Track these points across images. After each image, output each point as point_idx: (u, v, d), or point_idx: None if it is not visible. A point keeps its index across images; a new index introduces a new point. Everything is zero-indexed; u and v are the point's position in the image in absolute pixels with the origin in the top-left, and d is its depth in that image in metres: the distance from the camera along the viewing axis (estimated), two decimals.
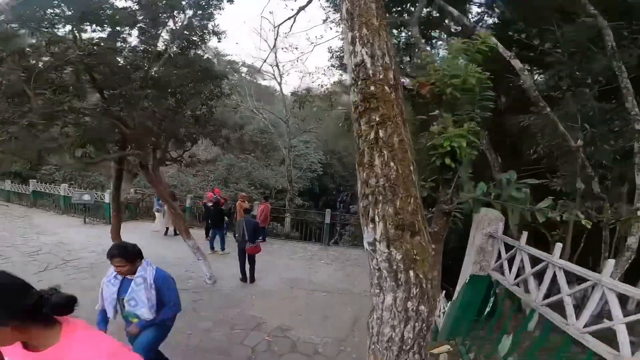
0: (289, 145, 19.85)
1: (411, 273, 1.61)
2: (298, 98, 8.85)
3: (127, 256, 2.98)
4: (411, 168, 1.75)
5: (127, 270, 2.99)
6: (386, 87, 1.91)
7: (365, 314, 6.09)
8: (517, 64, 3.64)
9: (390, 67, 2.04)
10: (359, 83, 1.97)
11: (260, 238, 11.47)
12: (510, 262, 2.94)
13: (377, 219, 1.69)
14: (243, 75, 30.96)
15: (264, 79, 33.30)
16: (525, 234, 2.66)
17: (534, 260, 2.67)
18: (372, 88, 1.90)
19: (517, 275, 2.79)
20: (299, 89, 9.77)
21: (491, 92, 2.45)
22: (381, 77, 1.96)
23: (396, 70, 2.09)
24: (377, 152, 1.74)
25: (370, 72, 1.98)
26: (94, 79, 6.28)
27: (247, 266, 7.51)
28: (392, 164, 1.70)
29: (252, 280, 7.50)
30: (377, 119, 1.78)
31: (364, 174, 1.76)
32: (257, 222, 8.38)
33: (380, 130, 1.75)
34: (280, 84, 19.54)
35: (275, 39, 11.83)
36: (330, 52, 10.75)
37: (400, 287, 1.61)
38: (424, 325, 1.59)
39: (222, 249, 9.85)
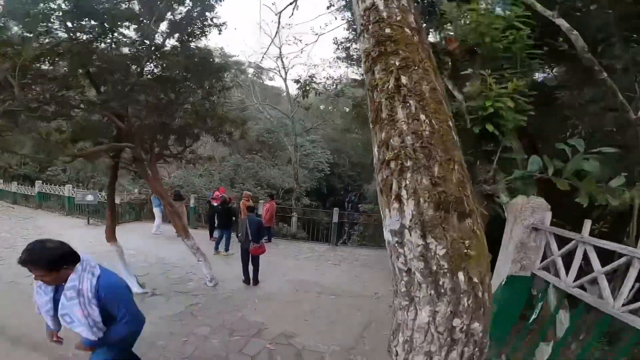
0: (295, 143, 19.43)
1: (461, 276, 1.09)
2: (302, 85, 8.35)
3: (41, 264, 2.13)
4: (450, 124, 1.25)
5: (51, 280, 2.22)
6: (406, 29, 1.44)
7: (377, 319, 5.61)
8: (562, 23, 3.11)
9: (409, 10, 1.57)
10: (369, 27, 1.50)
11: (265, 238, 11.08)
12: (565, 259, 2.44)
13: (404, 194, 1.18)
14: (249, 76, 30.86)
15: (270, 79, 33.11)
16: (588, 223, 2.14)
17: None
18: (388, 30, 1.43)
19: (578, 276, 2.29)
20: (303, 77, 9.25)
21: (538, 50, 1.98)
22: (398, 19, 1.49)
23: (417, 15, 1.62)
24: (399, 102, 1.24)
25: (384, 14, 1.51)
26: (88, 71, 5.94)
27: (251, 268, 7.08)
28: (422, 116, 1.21)
29: (256, 282, 7.07)
30: (398, 64, 1.30)
31: (382, 134, 1.27)
32: (261, 221, 7.95)
33: (402, 77, 1.26)
34: (285, 79, 19.09)
35: (278, 27, 11.18)
36: (336, 44, 10.25)
37: (444, 298, 1.10)
38: (476, 349, 1.09)
39: (226, 249, 9.45)
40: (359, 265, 9.00)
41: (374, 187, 20.52)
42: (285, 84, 19.35)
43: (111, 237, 6.17)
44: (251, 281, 7.05)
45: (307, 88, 8.16)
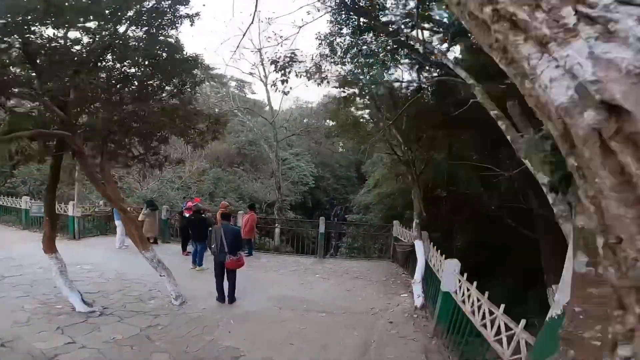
0: (277, 149, 18.65)
1: None
2: (280, 65, 7.34)
3: None
4: None
5: None
6: None
7: (377, 339, 4.63)
8: None
9: None
10: None
11: (245, 251, 10.00)
12: None
13: None
14: (231, 89, 30.55)
15: (253, 93, 32.66)
16: None
17: None
18: None
19: None
20: (280, 56, 7.99)
21: None
22: None
23: None
24: None
25: None
26: (33, 60, 4.98)
27: (226, 284, 6.05)
28: None
29: (232, 300, 6.02)
30: None
31: None
32: (238, 230, 6.97)
33: None
34: (265, 84, 18.36)
35: (255, 10, 10.08)
36: (319, 39, 9.45)
37: None
38: None
39: (200, 264, 8.34)
40: (350, 279, 8.05)
41: (360, 198, 19.83)
42: (266, 89, 18.57)
43: (49, 247, 5.07)
44: (226, 299, 6.01)
45: (287, 70, 7.20)
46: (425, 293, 6.23)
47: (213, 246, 6.09)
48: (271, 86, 6.86)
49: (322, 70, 8.46)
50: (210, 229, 8.62)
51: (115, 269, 7.66)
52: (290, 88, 7.21)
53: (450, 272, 4.58)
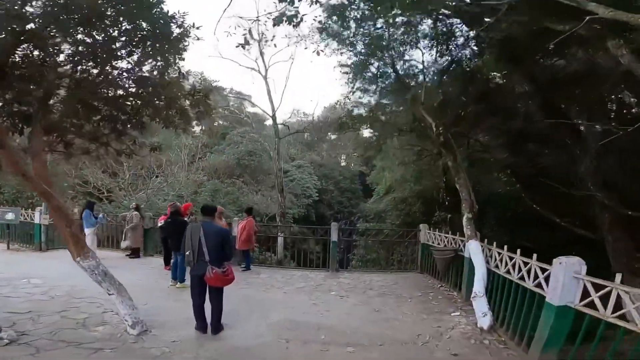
0: (278, 146, 17.36)
1: None
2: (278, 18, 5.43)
3: None
4: None
5: None
6: None
7: None
8: None
9: None
10: None
11: (242, 266, 8.16)
12: None
13: None
14: (231, 103, 29.88)
15: (253, 106, 31.67)
16: None
17: None
18: None
19: None
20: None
21: None
22: None
23: None
24: None
25: None
26: None
27: (210, 306, 4.24)
28: None
29: (217, 329, 4.19)
30: None
31: None
32: (225, 231, 5.00)
33: None
34: (265, 78, 17.39)
35: None
36: (327, 10, 7.91)
37: None
38: None
39: (182, 279, 6.53)
40: (376, 295, 6.19)
41: (371, 206, 18.08)
42: (266, 82, 17.70)
43: None
44: (209, 327, 4.19)
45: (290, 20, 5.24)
46: (491, 309, 4.45)
47: (188, 253, 4.27)
48: (274, 24, 5.00)
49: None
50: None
51: (72, 284, 5.86)
52: (302, 19, 5.29)
53: (568, 277, 2.82)
